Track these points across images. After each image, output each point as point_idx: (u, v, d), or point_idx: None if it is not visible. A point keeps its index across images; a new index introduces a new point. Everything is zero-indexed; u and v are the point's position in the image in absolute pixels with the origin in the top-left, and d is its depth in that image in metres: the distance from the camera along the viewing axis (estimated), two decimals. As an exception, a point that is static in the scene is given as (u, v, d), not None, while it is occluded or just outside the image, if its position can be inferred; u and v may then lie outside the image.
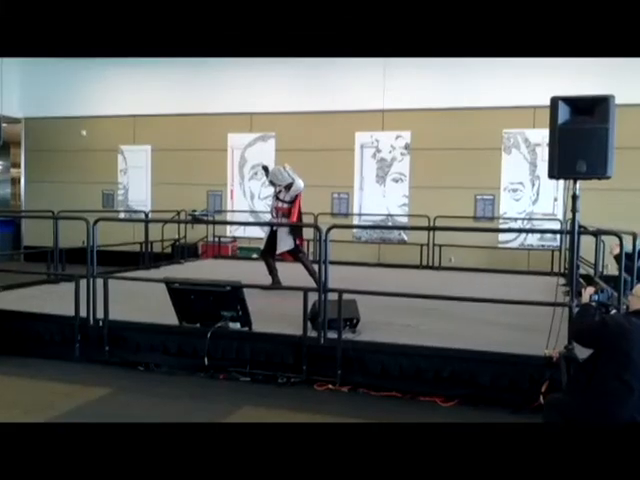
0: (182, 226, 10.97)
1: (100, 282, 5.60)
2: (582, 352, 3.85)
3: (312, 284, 5.32)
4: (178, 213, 10.89)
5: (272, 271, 7.36)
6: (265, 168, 7.69)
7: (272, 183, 7.47)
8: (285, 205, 7.29)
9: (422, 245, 10.12)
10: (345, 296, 5.14)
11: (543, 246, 10.57)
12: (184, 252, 10.86)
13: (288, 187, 7.24)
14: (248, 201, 12.28)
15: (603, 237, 6.73)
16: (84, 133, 13.08)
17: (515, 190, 10.84)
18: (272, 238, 7.30)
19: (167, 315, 5.45)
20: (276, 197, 7.41)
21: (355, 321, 5.33)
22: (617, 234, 4.84)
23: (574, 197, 4.39)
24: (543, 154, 10.14)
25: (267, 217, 11.88)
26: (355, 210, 11.60)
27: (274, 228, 7.28)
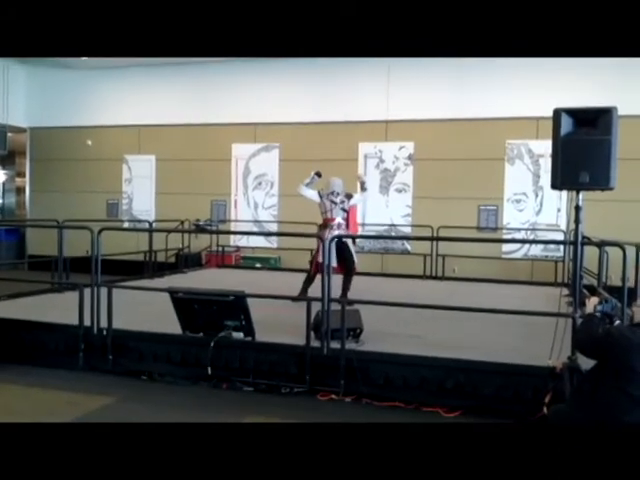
0: (186, 235, 10.98)
1: (104, 291, 5.61)
2: (586, 363, 3.84)
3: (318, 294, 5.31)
4: (182, 222, 10.91)
5: (309, 284, 7.09)
6: (318, 174, 7.27)
7: (332, 195, 7.12)
8: (346, 215, 7.19)
9: (425, 255, 10.12)
10: (348, 306, 5.14)
11: (547, 257, 10.56)
12: (188, 261, 10.89)
13: (349, 196, 7.17)
14: (252, 211, 12.31)
15: (607, 248, 6.73)
16: (89, 143, 13.15)
17: (518, 201, 10.85)
18: (339, 252, 6.81)
19: (171, 324, 5.46)
20: (342, 208, 7.11)
21: (358, 331, 5.33)
22: (620, 245, 4.84)
23: (577, 208, 4.40)
24: (546, 165, 10.15)
25: (270, 227, 11.99)
26: (358, 220, 11.61)
27: (343, 241, 6.86)
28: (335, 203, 7.10)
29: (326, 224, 7.11)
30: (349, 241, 7.11)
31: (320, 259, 6.80)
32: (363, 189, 7.41)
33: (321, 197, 7.18)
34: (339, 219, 7.10)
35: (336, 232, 6.85)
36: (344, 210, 7.16)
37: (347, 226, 7.33)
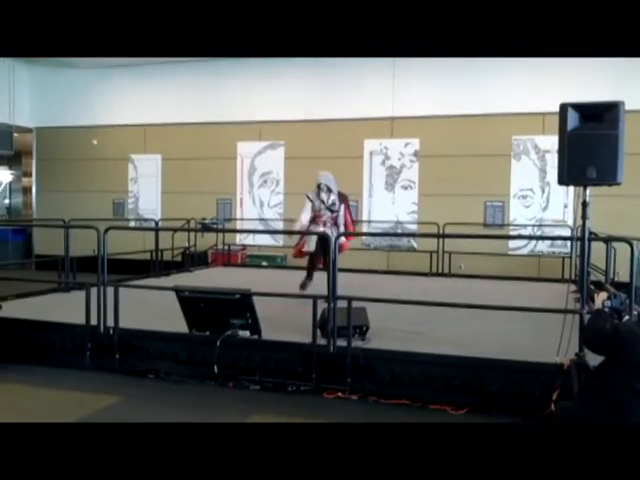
0: (192, 234, 11.00)
1: (111, 290, 5.62)
2: (594, 359, 3.82)
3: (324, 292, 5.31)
4: (188, 221, 10.93)
5: (309, 274, 7.35)
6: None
7: (319, 189, 7.22)
8: (335, 214, 7.29)
9: (432, 252, 10.09)
10: (354, 303, 5.13)
11: (554, 253, 10.52)
12: (194, 260, 10.90)
13: (342, 198, 7.29)
14: (257, 209, 12.31)
15: (614, 244, 6.69)
16: (95, 142, 13.18)
17: (525, 197, 10.80)
18: (323, 248, 7.01)
19: (177, 323, 5.46)
20: (328, 208, 7.23)
21: (365, 328, 5.32)
22: (628, 240, 4.81)
23: (584, 204, 4.37)
24: (553, 161, 10.08)
25: (276, 225, 11.97)
26: (364, 217, 11.60)
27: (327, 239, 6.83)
28: (323, 202, 7.26)
29: (315, 220, 7.32)
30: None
31: (303, 247, 7.29)
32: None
33: (312, 201, 7.35)
34: (325, 217, 7.28)
35: (321, 228, 7.13)
36: (331, 210, 7.28)
37: (337, 224, 7.36)
